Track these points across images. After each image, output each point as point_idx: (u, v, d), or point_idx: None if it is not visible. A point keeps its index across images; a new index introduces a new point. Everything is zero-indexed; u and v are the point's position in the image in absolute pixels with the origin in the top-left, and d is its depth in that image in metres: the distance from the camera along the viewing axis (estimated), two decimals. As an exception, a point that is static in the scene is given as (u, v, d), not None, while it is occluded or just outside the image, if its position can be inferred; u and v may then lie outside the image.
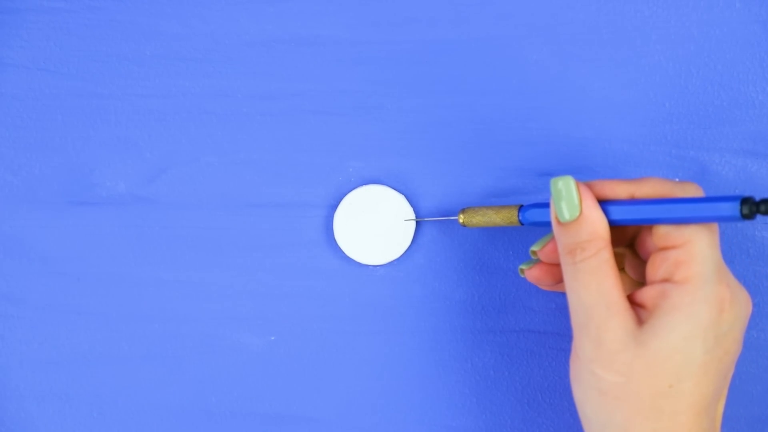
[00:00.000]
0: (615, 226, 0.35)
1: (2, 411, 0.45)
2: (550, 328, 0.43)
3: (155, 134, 0.45)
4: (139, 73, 0.45)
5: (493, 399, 0.43)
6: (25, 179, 0.45)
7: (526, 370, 0.43)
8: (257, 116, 0.45)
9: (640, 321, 0.33)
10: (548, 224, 0.37)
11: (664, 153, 0.43)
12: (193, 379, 0.45)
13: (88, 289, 0.45)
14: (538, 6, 0.43)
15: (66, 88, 0.45)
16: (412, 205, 0.44)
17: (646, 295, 0.34)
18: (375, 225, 0.43)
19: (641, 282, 0.38)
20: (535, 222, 0.38)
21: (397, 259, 0.44)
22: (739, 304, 0.33)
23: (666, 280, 0.33)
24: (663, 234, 0.34)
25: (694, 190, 0.34)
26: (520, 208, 0.39)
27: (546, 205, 0.37)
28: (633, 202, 0.34)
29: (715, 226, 0.34)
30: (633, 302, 0.34)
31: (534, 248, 0.38)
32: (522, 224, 0.39)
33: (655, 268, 0.34)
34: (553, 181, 0.35)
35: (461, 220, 0.41)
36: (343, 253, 0.44)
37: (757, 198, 0.31)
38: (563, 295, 0.36)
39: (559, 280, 0.38)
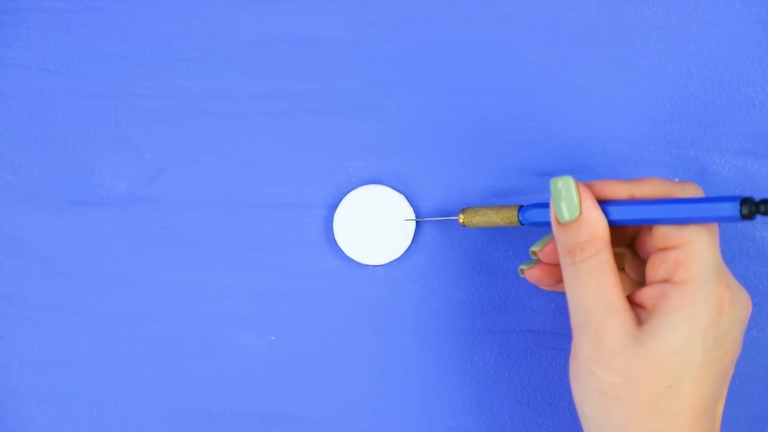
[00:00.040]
0: (615, 227, 0.35)
1: (2, 411, 0.45)
2: (550, 328, 0.43)
3: (155, 134, 0.45)
4: (139, 73, 0.45)
5: (493, 399, 0.43)
6: (25, 179, 0.45)
7: (526, 370, 0.43)
8: (257, 116, 0.45)
9: (639, 321, 0.33)
10: (548, 224, 0.37)
11: (664, 153, 0.43)
12: (193, 379, 0.45)
13: (88, 289, 0.45)
14: (538, 6, 0.43)
15: (66, 88, 0.45)
16: (412, 205, 0.44)
17: (645, 295, 0.34)
18: (375, 225, 0.43)
19: (641, 282, 0.38)
20: (535, 222, 0.38)
21: (397, 259, 0.44)
22: (738, 305, 0.33)
23: (665, 281, 0.33)
24: (663, 234, 0.34)
25: (693, 191, 0.34)
26: (520, 208, 0.39)
27: (546, 206, 0.37)
28: (633, 202, 0.34)
29: (714, 227, 0.33)
30: (633, 302, 0.34)
31: (534, 248, 0.38)
32: (522, 224, 0.39)
33: (655, 269, 0.34)
34: (552, 181, 0.35)
35: (461, 220, 0.41)
36: (343, 253, 0.44)
37: (757, 198, 0.31)
38: (563, 295, 0.36)
39: (559, 280, 0.38)
